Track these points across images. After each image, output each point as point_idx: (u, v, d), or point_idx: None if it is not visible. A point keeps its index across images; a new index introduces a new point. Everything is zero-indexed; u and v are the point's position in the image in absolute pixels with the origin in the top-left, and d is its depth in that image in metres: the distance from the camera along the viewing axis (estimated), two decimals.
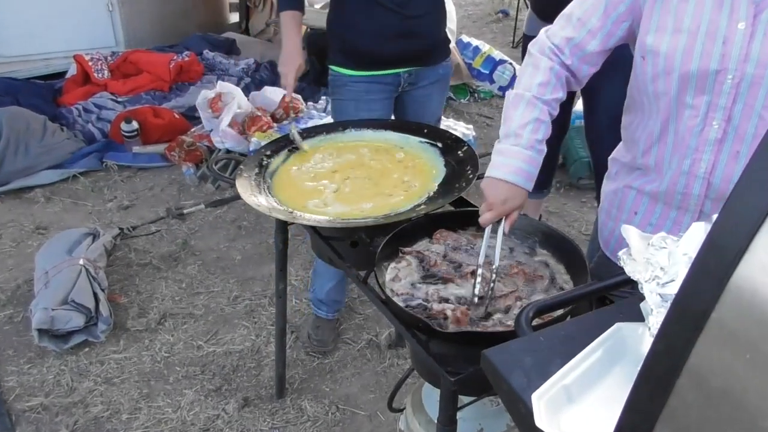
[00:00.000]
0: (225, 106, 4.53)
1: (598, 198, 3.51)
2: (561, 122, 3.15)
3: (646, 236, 0.95)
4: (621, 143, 1.71)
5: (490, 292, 1.49)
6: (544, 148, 1.54)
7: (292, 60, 2.37)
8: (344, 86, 2.50)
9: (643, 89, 1.49)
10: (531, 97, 1.52)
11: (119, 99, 5.03)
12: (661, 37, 1.40)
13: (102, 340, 2.96)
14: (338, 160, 2.14)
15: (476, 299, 1.47)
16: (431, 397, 1.69)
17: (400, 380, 1.79)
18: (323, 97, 5.02)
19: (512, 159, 1.52)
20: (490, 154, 2.58)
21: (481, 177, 1.95)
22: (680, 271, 0.86)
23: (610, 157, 1.76)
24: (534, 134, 1.51)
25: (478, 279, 1.50)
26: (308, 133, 2.28)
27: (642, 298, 0.90)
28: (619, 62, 1.77)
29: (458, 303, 1.47)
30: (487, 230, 1.57)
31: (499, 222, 1.55)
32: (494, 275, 1.51)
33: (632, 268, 0.95)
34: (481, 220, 1.56)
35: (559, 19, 1.56)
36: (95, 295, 3.00)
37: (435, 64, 2.60)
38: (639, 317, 0.92)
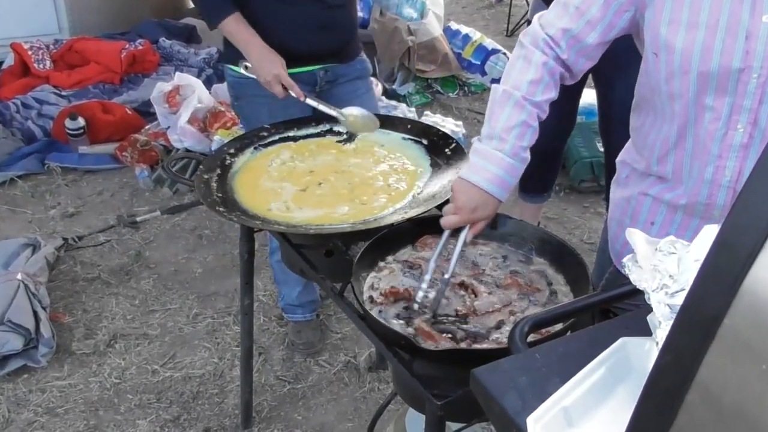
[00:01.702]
0: (184, 100, 4.50)
1: (607, 201, 3.54)
2: (568, 117, 3.17)
3: (654, 241, 0.96)
4: (629, 144, 1.71)
5: (436, 303, 1.51)
6: (528, 156, 1.55)
7: (270, 60, 2.29)
8: (252, 89, 2.41)
9: (656, 89, 1.48)
10: (520, 97, 1.52)
11: (63, 93, 4.98)
12: (675, 31, 1.39)
13: (43, 365, 2.92)
14: (312, 162, 2.14)
15: (416, 306, 1.50)
16: (416, 424, 1.69)
17: (382, 406, 1.79)
18: None
19: (491, 165, 1.52)
20: None
21: None
22: (691, 279, 0.86)
23: (618, 160, 1.75)
24: (519, 140, 1.52)
25: (424, 285, 1.52)
26: (286, 126, 2.28)
27: (649, 309, 0.91)
28: (635, 48, 1.78)
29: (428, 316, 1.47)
30: (444, 235, 1.59)
31: (461, 228, 1.57)
32: (446, 286, 1.53)
33: (638, 276, 0.95)
34: (444, 221, 1.57)
35: (555, 6, 1.55)
36: (35, 314, 2.96)
37: (351, 60, 2.57)
38: (646, 331, 0.92)
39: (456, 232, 1.58)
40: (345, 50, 2.54)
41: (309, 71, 2.48)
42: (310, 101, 2.24)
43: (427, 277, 1.53)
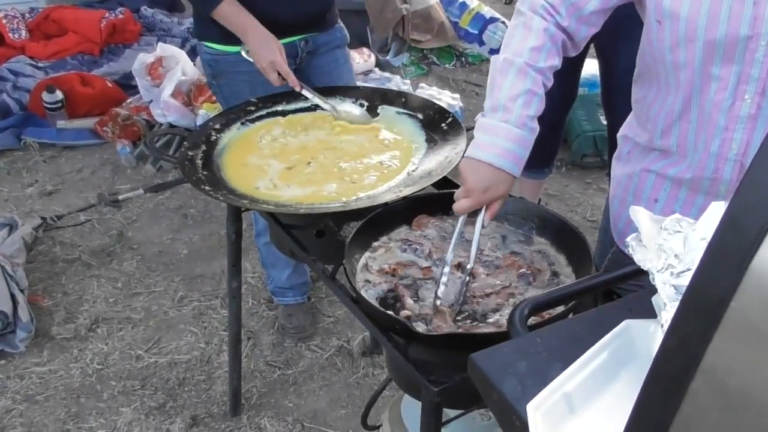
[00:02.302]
0: (167, 72, 4.48)
1: (610, 176, 3.55)
2: (569, 87, 3.17)
3: (659, 219, 0.96)
4: (631, 117, 1.71)
5: (461, 298, 1.48)
6: (537, 126, 1.52)
7: (268, 46, 2.28)
8: (231, 66, 2.41)
9: (659, 58, 1.48)
10: (522, 63, 1.49)
11: (40, 64, 4.95)
12: None
13: (22, 351, 2.93)
14: (304, 138, 2.13)
15: (439, 302, 1.47)
16: (412, 411, 1.70)
17: (376, 393, 1.80)
18: None
19: (499, 138, 1.49)
20: None
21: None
22: (697, 258, 0.86)
23: (619, 134, 1.75)
24: (525, 109, 1.49)
25: (444, 279, 1.49)
26: (274, 100, 2.28)
27: (654, 290, 0.91)
28: (638, 15, 1.78)
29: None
30: (461, 220, 1.56)
31: (477, 212, 1.54)
32: (467, 277, 1.51)
33: (642, 256, 0.95)
34: (456, 207, 1.54)
35: None
36: (13, 297, 2.96)
37: (330, 27, 2.57)
38: (650, 313, 0.93)
39: (472, 215, 1.55)
40: (325, 18, 2.53)
41: (290, 42, 2.46)
42: (305, 92, 2.23)
43: (446, 269, 1.50)
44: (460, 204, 1.53)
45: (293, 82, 2.25)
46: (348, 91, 2.32)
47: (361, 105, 2.24)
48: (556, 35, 1.52)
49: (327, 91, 2.32)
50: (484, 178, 1.49)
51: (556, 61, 1.53)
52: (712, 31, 1.36)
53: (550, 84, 1.54)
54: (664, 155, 1.57)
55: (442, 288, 1.48)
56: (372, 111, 2.24)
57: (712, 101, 1.42)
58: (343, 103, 2.23)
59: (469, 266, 1.52)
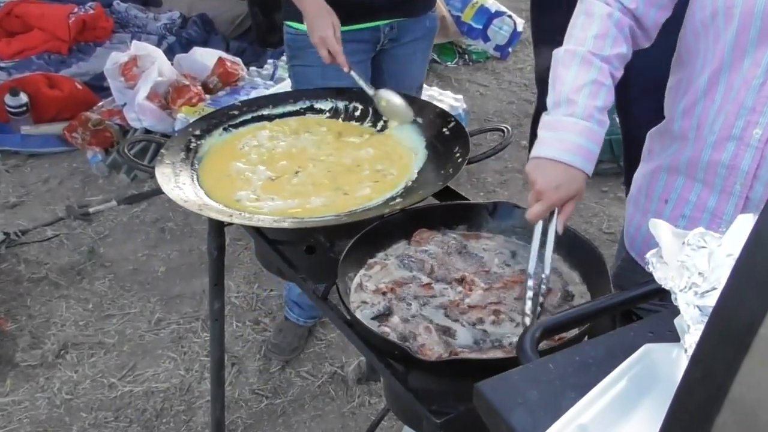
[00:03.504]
0: (142, 73, 4.48)
1: (627, 183, 3.57)
2: None
3: (681, 233, 0.96)
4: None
5: (539, 309, 1.49)
6: (606, 120, 1.54)
7: (321, 20, 2.30)
8: (307, 48, 2.47)
9: (700, 32, 1.50)
10: (586, 53, 1.52)
11: (2, 64, 4.95)
12: None
13: None
14: (291, 145, 2.13)
15: (528, 320, 1.47)
16: None
17: (373, 424, 1.80)
18: (270, 61, 5.00)
19: (566, 133, 1.51)
20: (484, 131, 2.64)
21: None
22: (723, 276, 0.87)
23: (649, 133, 1.77)
24: (592, 100, 1.51)
25: (529, 294, 1.50)
26: (260, 103, 2.28)
27: (676, 311, 0.91)
28: None
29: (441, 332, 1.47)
30: (537, 229, 1.57)
31: (550, 216, 1.55)
32: (544, 286, 1.52)
33: (663, 274, 0.95)
34: (529, 214, 1.55)
35: None
36: None
37: (421, 14, 2.63)
38: (673, 336, 0.93)
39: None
40: (413, 2, 2.57)
41: (373, 27, 2.51)
42: (354, 74, 2.24)
43: (530, 283, 1.51)
44: (533, 210, 1.54)
45: (342, 61, 2.26)
46: (335, 93, 2.31)
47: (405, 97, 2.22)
48: (621, 21, 1.53)
49: (300, 94, 2.35)
50: (554, 177, 1.51)
51: (624, 49, 1.55)
52: (749, 1, 1.37)
53: (619, 74, 1.56)
54: (681, 141, 1.58)
55: (529, 304, 1.49)
56: (365, 115, 2.24)
57: (743, 78, 1.43)
58: (390, 93, 2.22)
59: (544, 274, 1.53)
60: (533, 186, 1.53)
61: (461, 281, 1.59)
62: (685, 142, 1.57)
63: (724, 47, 1.44)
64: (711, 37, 1.47)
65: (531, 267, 1.54)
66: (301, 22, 2.47)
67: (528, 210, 1.55)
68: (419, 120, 2.16)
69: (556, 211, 1.54)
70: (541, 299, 1.50)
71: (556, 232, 1.55)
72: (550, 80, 1.58)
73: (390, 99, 2.19)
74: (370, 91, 2.22)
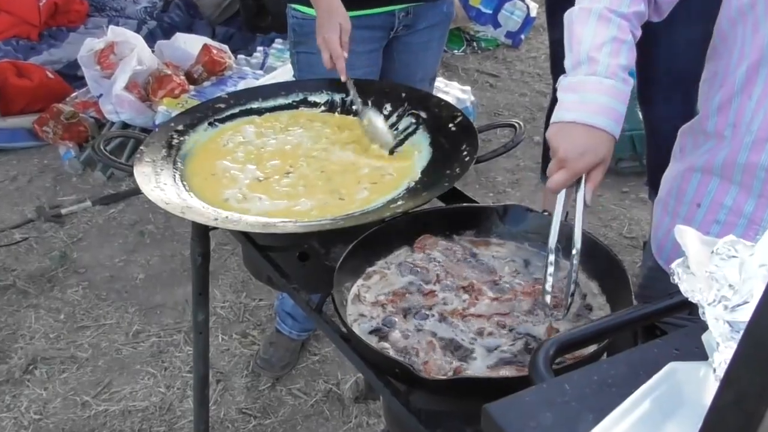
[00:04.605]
0: (119, 61, 4.48)
1: (651, 183, 3.56)
2: None
3: (710, 241, 0.96)
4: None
5: (572, 295, 1.49)
6: (630, 79, 1.54)
7: (329, 18, 2.30)
8: (314, 34, 2.46)
9: (737, 19, 1.50)
10: (603, 9, 1.53)
11: None
12: None
13: None
14: (282, 141, 2.13)
15: (548, 297, 1.49)
16: None
17: None
18: (260, 49, 5.00)
19: (589, 93, 1.51)
20: (494, 126, 2.64)
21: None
22: (756, 289, 0.87)
23: (681, 129, 1.77)
24: (614, 57, 1.51)
25: (550, 270, 1.51)
26: (248, 95, 2.28)
27: (705, 327, 0.91)
28: (681, 3, 1.80)
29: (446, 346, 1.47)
30: (560, 199, 1.56)
31: (575, 185, 1.54)
32: (575, 264, 1.51)
33: (690, 286, 0.95)
34: (550, 183, 1.55)
35: None
36: None
37: None
38: (701, 354, 0.93)
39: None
40: None
41: (389, 12, 2.53)
42: (349, 85, 2.24)
43: (552, 258, 1.52)
44: (554, 179, 1.54)
45: (341, 68, 2.26)
46: (331, 85, 2.31)
47: (413, 120, 2.20)
48: None
49: (293, 86, 2.36)
50: (579, 142, 1.51)
51: (642, 7, 1.56)
52: None
53: (638, 33, 1.57)
54: (716, 140, 1.58)
55: (549, 281, 1.50)
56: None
57: None
58: (376, 114, 2.20)
59: (574, 249, 1.51)
60: (556, 153, 1.53)
61: (468, 289, 1.59)
62: (721, 141, 1.57)
63: (764, 38, 1.44)
64: (749, 25, 1.47)
65: (552, 241, 1.54)
66: (307, 5, 2.48)
67: (550, 178, 1.55)
68: (422, 114, 2.15)
69: (583, 180, 1.54)
70: (574, 276, 1.49)
71: (585, 202, 1.54)
72: (565, 41, 1.58)
73: (372, 120, 2.17)
74: (357, 105, 2.21)
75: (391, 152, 2.08)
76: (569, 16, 1.58)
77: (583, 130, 1.51)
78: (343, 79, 2.25)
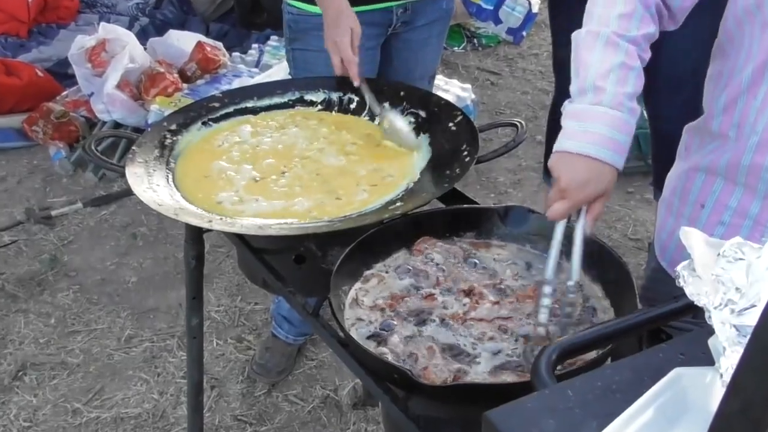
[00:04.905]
0: (111, 58, 4.48)
1: (656, 184, 3.56)
2: None
3: (716, 243, 0.96)
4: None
5: (576, 316, 1.49)
6: (637, 108, 1.55)
7: (338, 22, 2.30)
8: (311, 31, 2.49)
9: (743, 18, 1.50)
10: (611, 34, 1.53)
11: None
12: None
13: None
14: (277, 141, 2.13)
15: (541, 329, 1.48)
16: None
17: None
18: (255, 46, 5.00)
19: (593, 123, 1.51)
20: (496, 126, 2.64)
21: (483, 160, 1.97)
22: (764, 292, 0.87)
23: (686, 127, 1.78)
24: (621, 86, 1.52)
25: (546, 302, 1.50)
26: (243, 94, 2.28)
27: (711, 331, 0.91)
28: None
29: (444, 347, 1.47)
30: (558, 228, 1.57)
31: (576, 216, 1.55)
32: (575, 294, 1.51)
33: (696, 289, 0.95)
34: (551, 212, 1.55)
35: None
36: None
37: None
38: (707, 359, 0.93)
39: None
40: None
41: (386, 8, 2.53)
42: (364, 89, 2.24)
43: (548, 290, 1.51)
44: (555, 208, 1.54)
45: (354, 73, 2.25)
46: (328, 83, 2.31)
47: (412, 119, 2.19)
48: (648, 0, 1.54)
49: (289, 84, 2.35)
50: (581, 173, 1.52)
51: (652, 29, 1.56)
52: None
53: (647, 56, 1.57)
54: (721, 141, 1.59)
55: (544, 313, 1.49)
56: (361, 107, 2.25)
57: None
58: (396, 115, 2.19)
59: (571, 283, 1.52)
60: (557, 183, 1.54)
61: (468, 293, 1.59)
62: (725, 142, 1.57)
63: None
64: (757, 25, 1.47)
65: (549, 272, 1.54)
66: (304, 0, 2.48)
67: (550, 207, 1.55)
68: (422, 113, 2.15)
69: (583, 211, 1.55)
70: (569, 309, 1.50)
71: (585, 233, 1.55)
72: (572, 65, 1.58)
73: (393, 123, 2.16)
74: (375, 108, 2.21)
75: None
76: (576, 38, 1.58)
77: (586, 161, 1.51)
78: (356, 84, 2.24)
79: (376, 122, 2.19)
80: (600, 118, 1.51)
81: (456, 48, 5.62)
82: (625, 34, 1.53)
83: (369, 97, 2.23)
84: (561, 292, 1.53)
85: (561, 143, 1.55)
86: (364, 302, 1.58)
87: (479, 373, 1.42)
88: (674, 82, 3.05)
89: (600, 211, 1.56)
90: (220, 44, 4.82)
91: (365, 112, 2.24)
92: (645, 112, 3.43)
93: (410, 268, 1.66)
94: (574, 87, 1.56)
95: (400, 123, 2.15)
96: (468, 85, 4.72)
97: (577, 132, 1.52)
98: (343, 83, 2.31)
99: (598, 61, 1.52)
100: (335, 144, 2.11)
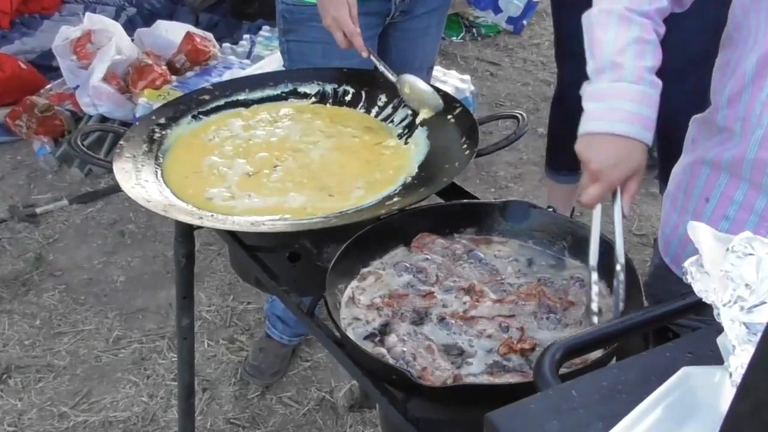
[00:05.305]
0: (97, 50, 4.47)
1: (661, 177, 3.55)
2: None
3: (724, 238, 0.96)
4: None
5: (621, 304, 1.49)
6: (658, 81, 1.56)
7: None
8: (307, 21, 2.49)
9: (749, 5, 1.50)
10: (623, 10, 1.54)
11: None
12: None
13: None
14: (269, 135, 2.13)
15: (595, 318, 1.49)
16: None
17: None
18: (246, 37, 4.99)
19: (617, 101, 1.53)
20: (496, 118, 2.64)
21: (483, 154, 1.97)
22: None
23: (693, 118, 1.78)
24: (639, 60, 1.53)
25: (595, 289, 1.51)
26: (234, 86, 2.28)
27: (720, 329, 0.91)
28: None
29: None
30: (596, 213, 1.59)
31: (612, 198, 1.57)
32: (621, 280, 1.51)
33: (704, 286, 0.95)
34: (585, 197, 1.58)
35: None
36: None
37: None
38: (716, 358, 0.93)
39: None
40: None
41: None
42: (373, 58, 2.24)
43: (594, 277, 1.52)
44: (589, 192, 1.56)
45: (359, 45, 2.25)
46: (322, 75, 2.31)
47: (409, 111, 2.18)
48: None
49: (282, 76, 2.35)
50: (610, 153, 1.54)
51: (664, 3, 1.57)
52: None
53: (662, 31, 1.58)
54: (726, 135, 1.59)
55: (595, 301, 1.49)
56: (356, 99, 2.25)
57: None
58: (415, 78, 2.19)
59: (618, 266, 1.52)
60: (587, 167, 1.55)
61: (468, 291, 1.59)
62: (730, 135, 1.58)
63: None
64: (763, 13, 1.47)
65: (593, 259, 1.55)
66: None
67: (584, 193, 1.57)
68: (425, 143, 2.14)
69: (618, 192, 1.57)
70: (621, 293, 1.50)
71: (623, 214, 1.57)
72: (586, 46, 1.60)
73: (414, 85, 2.16)
74: (392, 77, 2.20)
75: (406, 142, 2.09)
76: (588, 19, 1.59)
77: (613, 140, 1.53)
78: (364, 55, 2.24)
79: (397, 85, 2.17)
80: (623, 94, 1.53)
81: (454, 38, 5.62)
82: (637, 8, 1.54)
83: (381, 65, 2.22)
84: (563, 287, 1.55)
85: (585, 125, 1.56)
86: (361, 301, 1.58)
87: (479, 372, 1.42)
88: (679, 71, 3.05)
89: (635, 189, 1.59)
90: (210, 35, 4.81)
91: (361, 104, 2.24)
92: None
93: (408, 265, 1.66)
94: (591, 67, 1.58)
95: (421, 84, 2.16)
96: (467, 77, 4.72)
97: (602, 112, 1.54)
98: (338, 75, 2.31)
99: (614, 37, 1.54)
100: (332, 137, 2.10)
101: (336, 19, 2.26)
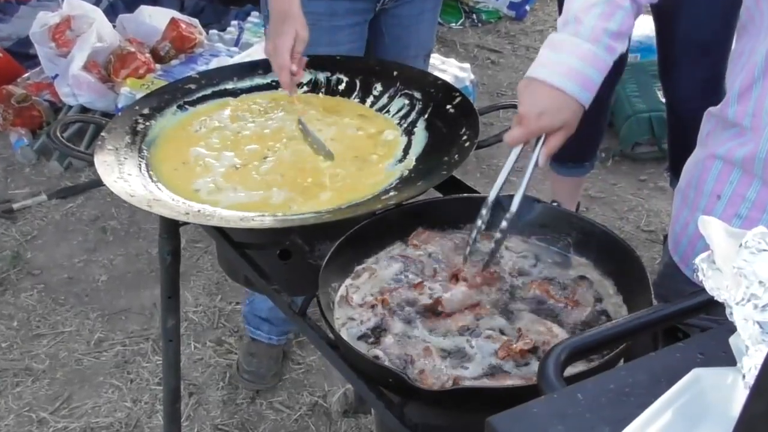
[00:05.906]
0: (77, 37, 4.47)
1: (672, 170, 3.55)
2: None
3: (737, 233, 0.96)
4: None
5: (491, 255, 1.60)
6: (618, 46, 1.61)
7: (284, 26, 2.17)
8: None
9: None
10: None
11: None
12: None
13: None
14: (259, 126, 2.13)
15: (467, 249, 1.60)
16: None
17: None
18: (234, 23, 4.99)
19: (565, 54, 1.59)
20: (497, 108, 2.64)
21: (484, 146, 1.98)
22: None
23: (707, 111, 1.78)
24: (603, 21, 1.58)
25: (479, 222, 1.63)
26: (222, 75, 2.29)
27: (732, 329, 0.91)
28: None
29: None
30: (512, 154, 1.67)
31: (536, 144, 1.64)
32: (506, 222, 1.61)
33: (716, 284, 0.95)
34: (507, 136, 1.65)
35: None
36: None
37: None
38: (728, 359, 0.93)
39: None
40: None
41: None
42: (301, 121, 2.11)
43: (479, 222, 1.63)
44: (511, 133, 1.64)
45: (284, 82, 2.16)
46: (314, 63, 2.31)
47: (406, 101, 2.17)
48: None
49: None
50: (539, 101, 1.60)
51: None
52: None
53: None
54: (738, 131, 1.59)
55: (474, 233, 1.63)
56: (350, 88, 2.25)
57: None
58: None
59: (509, 211, 1.62)
60: (519, 107, 1.63)
61: (455, 277, 1.61)
62: (741, 131, 1.58)
63: None
64: None
65: (492, 193, 1.65)
66: None
67: (508, 131, 1.65)
68: (417, 95, 2.15)
69: (541, 140, 1.63)
70: (499, 235, 1.62)
71: (536, 164, 1.64)
72: (564, 4, 1.66)
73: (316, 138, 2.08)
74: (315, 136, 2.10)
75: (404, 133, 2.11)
76: None
77: (548, 90, 1.60)
78: (290, 94, 2.17)
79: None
80: (573, 50, 1.59)
81: (453, 24, 5.62)
82: None
83: (308, 128, 2.10)
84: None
85: (531, 70, 1.64)
86: (354, 299, 1.58)
87: (478, 372, 1.42)
88: (689, 59, 3.05)
89: (556, 145, 1.65)
90: (196, 21, 4.81)
91: (355, 93, 2.24)
92: (660, 92, 3.43)
93: (399, 255, 1.67)
94: (560, 19, 1.65)
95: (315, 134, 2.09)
96: (467, 65, 4.72)
97: (548, 60, 1.62)
98: (330, 62, 2.31)
99: None
100: (322, 131, 2.10)
101: (276, 48, 2.17)
